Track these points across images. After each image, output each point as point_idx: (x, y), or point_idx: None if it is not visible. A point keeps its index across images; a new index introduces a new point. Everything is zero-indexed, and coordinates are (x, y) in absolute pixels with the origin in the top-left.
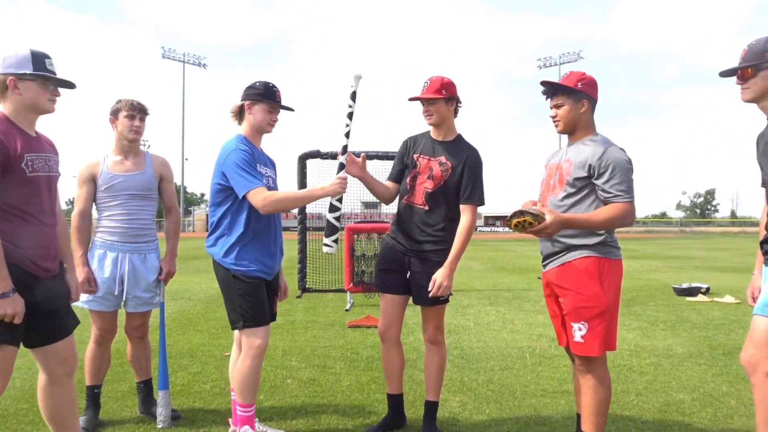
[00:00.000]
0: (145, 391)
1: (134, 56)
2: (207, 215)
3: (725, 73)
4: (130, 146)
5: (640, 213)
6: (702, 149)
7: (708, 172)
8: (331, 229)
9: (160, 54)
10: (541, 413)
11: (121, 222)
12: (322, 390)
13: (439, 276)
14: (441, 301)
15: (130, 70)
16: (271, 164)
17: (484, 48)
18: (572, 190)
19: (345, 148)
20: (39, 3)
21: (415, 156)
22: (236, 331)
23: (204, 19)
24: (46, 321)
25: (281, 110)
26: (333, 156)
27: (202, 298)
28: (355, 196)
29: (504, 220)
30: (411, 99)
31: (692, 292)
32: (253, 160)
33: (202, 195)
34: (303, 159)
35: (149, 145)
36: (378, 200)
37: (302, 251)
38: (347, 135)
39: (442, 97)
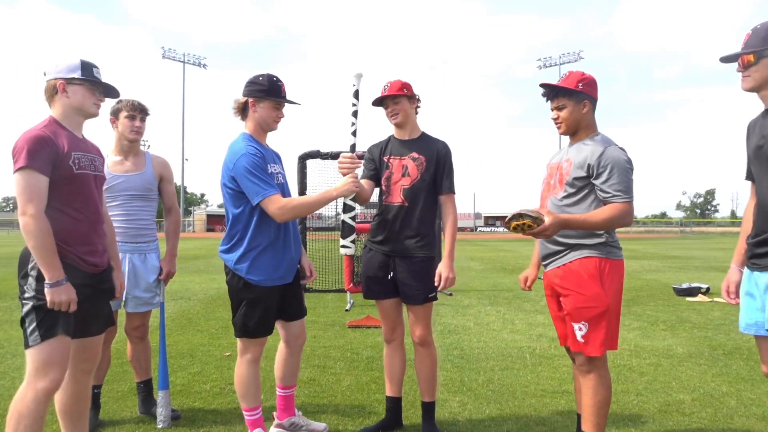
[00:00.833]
0: (145, 391)
1: (134, 56)
2: (207, 215)
3: (726, 59)
4: (131, 146)
5: (641, 213)
6: (702, 149)
7: (708, 172)
8: (348, 230)
9: (160, 54)
10: (541, 413)
11: (121, 222)
12: (322, 390)
13: (443, 270)
14: (430, 298)
15: (130, 71)
16: (278, 159)
17: (485, 48)
18: (572, 190)
19: (353, 146)
20: (39, 3)
21: (385, 158)
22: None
23: (204, 19)
24: (87, 317)
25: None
26: (333, 156)
27: (202, 298)
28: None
29: (503, 222)
30: (375, 101)
31: (692, 292)
32: (264, 163)
33: (202, 195)
34: (303, 159)
35: (149, 146)
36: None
37: None
38: (354, 134)
39: (405, 95)
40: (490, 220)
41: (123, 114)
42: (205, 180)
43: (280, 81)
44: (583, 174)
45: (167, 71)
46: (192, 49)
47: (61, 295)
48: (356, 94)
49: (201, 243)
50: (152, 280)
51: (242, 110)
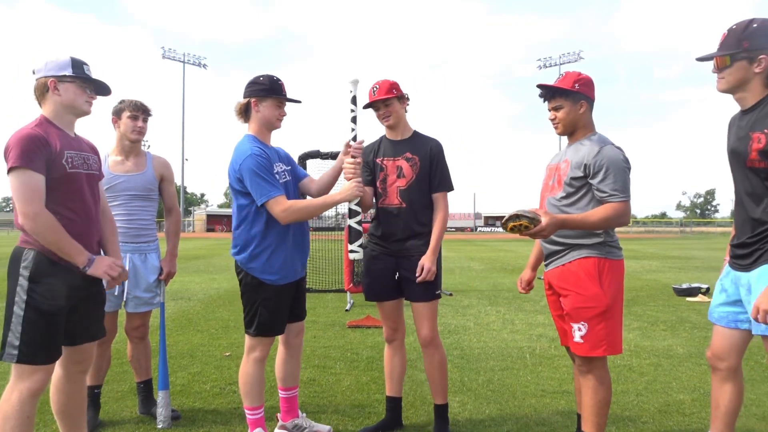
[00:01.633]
0: (145, 392)
1: (134, 56)
2: (207, 216)
3: (702, 59)
4: (132, 146)
5: (640, 213)
6: (702, 149)
7: (708, 172)
8: (355, 235)
9: (160, 54)
10: (541, 413)
11: (122, 222)
12: (322, 390)
13: (425, 261)
14: (435, 296)
15: (130, 71)
16: (286, 157)
17: (485, 48)
18: (570, 190)
19: (355, 136)
20: (39, 3)
21: (378, 160)
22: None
23: (204, 19)
24: (80, 322)
25: (288, 103)
26: (333, 156)
27: (202, 298)
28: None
29: (501, 223)
30: (366, 105)
31: (692, 292)
32: (269, 164)
33: (202, 195)
34: (303, 159)
35: (149, 146)
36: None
37: None
38: (354, 138)
39: (394, 96)
40: (490, 220)
41: (125, 114)
42: (205, 180)
43: (281, 80)
44: (580, 174)
45: (167, 71)
46: (192, 49)
47: (103, 268)
48: (354, 100)
49: (201, 243)
50: (152, 280)
51: (244, 112)
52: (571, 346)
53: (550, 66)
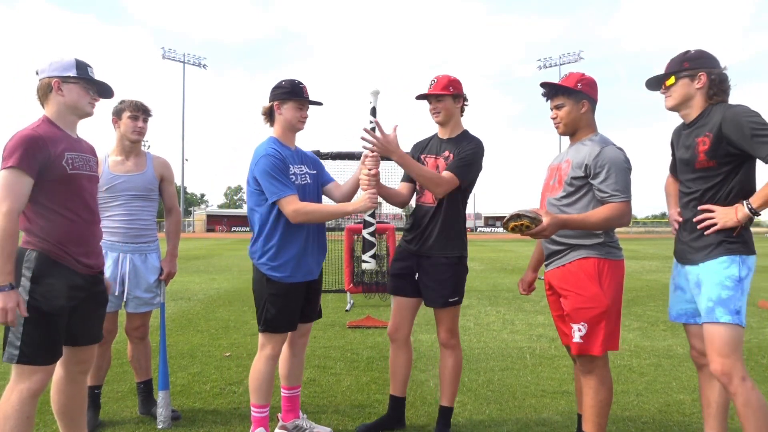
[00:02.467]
0: (146, 392)
1: (134, 56)
2: (207, 216)
3: (650, 83)
4: (132, 147)
5: (641, 213)
6: None
7: None
8: (368, 245)
9: (160, 54)
10: (541, 413)
11: (122, 222)
12: (322, 390)
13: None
14: (451, 303)
15: (130, 71)
16: (312, 161)
17: (485, 48)
18: (571, 190)
19: (374, 109)
20: (39, 3)
21: (422, 156)
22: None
23: (204, 19)
24: (82, 322)
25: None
26: (333, 156)
27: (202, 299)
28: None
29: (502, 223)
30: (418, 97)
31: None
32: (284, 164)
33: (202, 195)
34: None
35: (149, 146)
36: (392, 205)
37: None
38: (374, 128)
39: (449, 94)
40: (490, 221)
41: (126, 114)
42: (205, 180)
43: (302, 84)
44: (581, 174)
45: (167, 71)
46: (192, 49)
47: (3, 301)
48: (373, 112)
49: (201, 243)
50: (153, 280)
51: (269, 115)
52: (571, 347)
53: (550, 66)
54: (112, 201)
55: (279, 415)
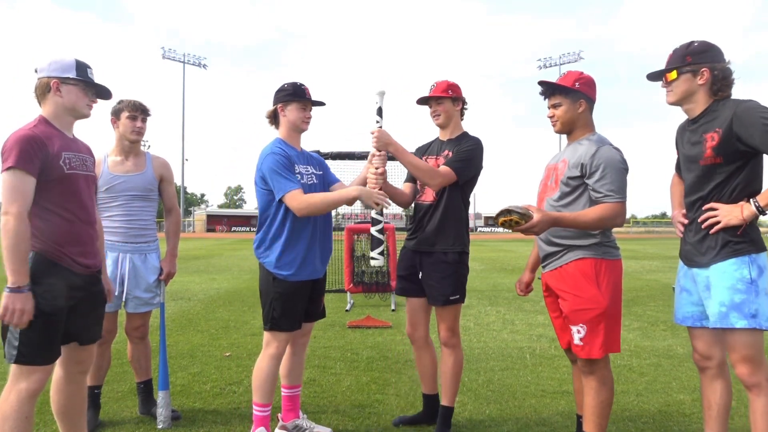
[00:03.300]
0: (145, 392)
1: (134, 56)
2: (207, 216)
3: (652, 76)
4: (131, 147)
5: (641, 213)
6: None
7: None
8: (376, 242)
9: (160, 54)
10: (542, 413)
11: (122, 222)
12: (323, 390)
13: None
14: (451, 301)
15: (130, 70)
16: (317, 162)
17: (485, 48)
18: (567, 190)
19: (380, 109)
20: (39, 2)
21: (424, 158)
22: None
23: (204, 19)
24: (81, 322)
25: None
26: (333, 156)
27: (202, 299)
28: None
29: (493, 217)
30: (419, 100)
31: None
32: (289, 162)
33: (202, 195)
34: None
35: (149, 146)
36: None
37: None
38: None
39: (449, 96)
40: (490, 221)
41: (125, 114)
42: (205, 180)
43: (304, 86)
44: (577, 174)
45: (167, 71)
46: (192, 49)
47: (16, 303)
48: (380, 112)
49: (201, 243)
50: (152, 280)
51: (274, 118)
52: (572, 349)
53: (550, 66)
54: (112, 201)
55: (279, 415)
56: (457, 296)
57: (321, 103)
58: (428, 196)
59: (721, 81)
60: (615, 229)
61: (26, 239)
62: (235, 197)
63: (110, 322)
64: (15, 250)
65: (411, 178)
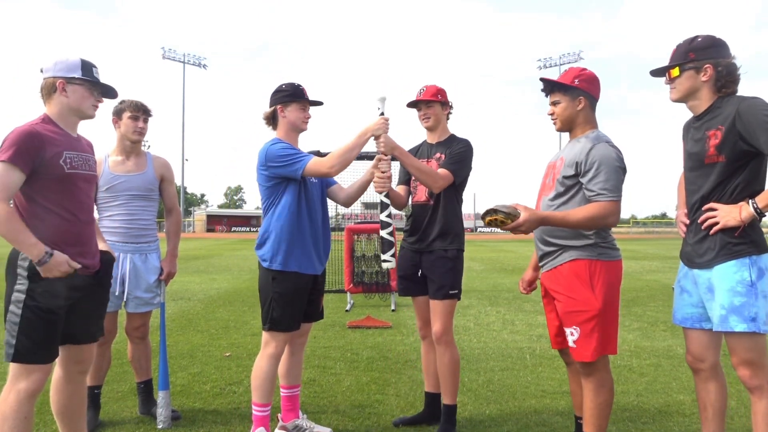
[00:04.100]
0: (146, 392)
1: (134, 56)
2: (207, 216)
3: (655, 73)
4: (133, 147)
5: (641, 213)
6: None
7: None
8: (387, 245)
9: (160, 54)
10: (541, 414)
11: (122, 222)
12: (323, 390)
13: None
14: (450, 295)
15: (130, 70)
16: None
17: (486, 48)
18: (562, 189)
19: (383, 99)
20: (39, 2)
21: None
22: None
23: (204, 19)
24: (80, 322)
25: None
26: None
27: (202, 299)
28: None
29: (481, 216)
30: (410, 104)
31: None
32: (291, 147)
33: (202, 195)
34: None
35: (149, 146)
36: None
37: None
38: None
39: (438, 101)
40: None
41: (126, 114)
42: (205, 180)
43: (302, 86)
44: (572, 172)
45: (167, 71)
46: (192, 49)
47: (53, 270)
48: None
49: (201, 243)
50: (153, 280)
51: (272, 119)
52: (570, 351)
53: (551, 66)
54: (112, 201)
55: (279, 415)
56: (456, 291)
57: (319, 103)
58: (421, 196)
59: (726, 77)
60: (615, 230)
61: (15, 218)
62: (235, 197)
63: (110, 322)
64: (13, 230)
65: (404, 181)
